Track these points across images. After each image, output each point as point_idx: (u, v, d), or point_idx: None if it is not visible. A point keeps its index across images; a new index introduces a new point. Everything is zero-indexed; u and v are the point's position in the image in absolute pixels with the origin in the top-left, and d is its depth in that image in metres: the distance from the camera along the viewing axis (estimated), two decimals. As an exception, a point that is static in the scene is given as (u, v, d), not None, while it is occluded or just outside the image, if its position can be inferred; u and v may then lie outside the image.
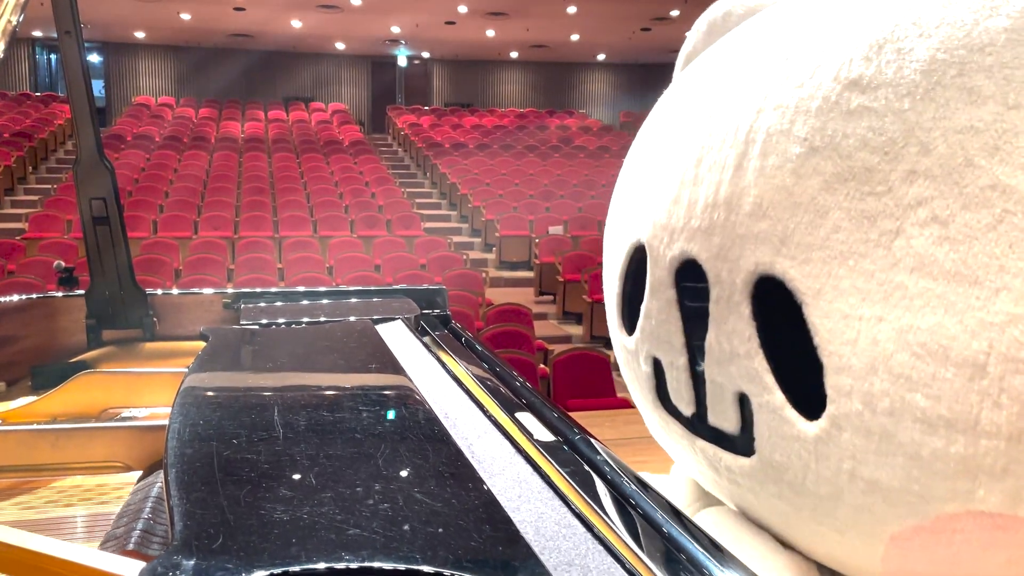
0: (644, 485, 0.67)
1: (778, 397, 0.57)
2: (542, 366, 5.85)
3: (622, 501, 0.64)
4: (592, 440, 0.78)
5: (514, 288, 9.42)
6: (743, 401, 0.61)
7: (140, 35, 18.32)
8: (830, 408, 0.54)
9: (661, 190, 0.68)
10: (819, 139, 0.54)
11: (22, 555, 0.58)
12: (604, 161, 13.60)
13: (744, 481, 0.64)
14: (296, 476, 0.61)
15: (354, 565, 0.48)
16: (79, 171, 1.14)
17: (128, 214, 9.73)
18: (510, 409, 0.88)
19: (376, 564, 0.48)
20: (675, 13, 14.63)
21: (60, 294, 1.30)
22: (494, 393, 0.94)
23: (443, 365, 1.00)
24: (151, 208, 10.26)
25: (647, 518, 0.61)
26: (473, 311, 7.08)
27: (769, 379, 0.58)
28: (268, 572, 0.46)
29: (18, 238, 8.99)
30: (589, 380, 5.40)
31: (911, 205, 0.49)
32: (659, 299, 0.68)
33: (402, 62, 20.04)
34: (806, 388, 0.55)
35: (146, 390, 1.14)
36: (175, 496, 0.57)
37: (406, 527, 0.53)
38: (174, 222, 9.80)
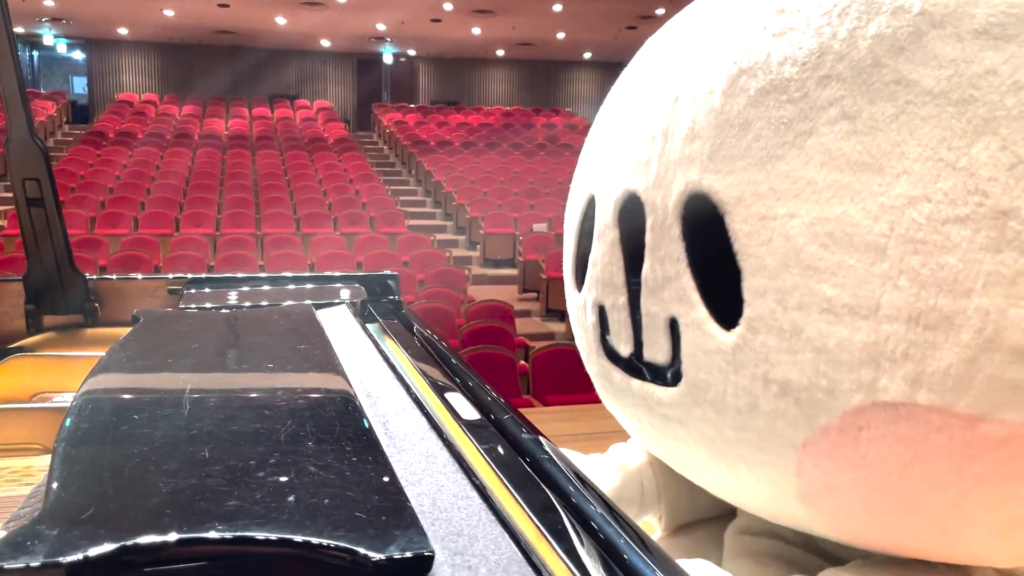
0: (561, 458, 0.65)
1: (701, 312, 0.59)
2: (522, 362, 5.84)
3: (532, 474, 0.62)
4: (520, 420, 0.77)
5: (498, 285, 9.40)
6: (674, 326, 0.62)
7: (123, 31, 18.20)
8: (746, 312, 0.55)
9: (612, 148, 0.71)
10: (747, 60, 0.56)
11: None
12: (589, 159, 13.56)
13: (673, 412, 0.65)
14: (190, 450, 0.59)
15: (226, 535, 0.46)
16: (10, 151, 1.12)
17: (109, 211, 9.67)
18: (440, 390, 0.86)
19: (248, 534, 0.46)
20: (660, 11, 14.63)
21: (-3, 279, 1.28)
22: (427, 375, 0.92)
23: (379, 348, 0.98)
24: (133, 205, 10.19)
25: (556, 489, 0.59)
26: (455, 308, 7.06)
27: (695, 295, 0.59)
28: (130, 542, 0.44)
29: (-3, 235, 8.91)
30: (569, 376, 5.38)
31: (823, 106, 0.51)
32: (604, 242, 0.70)
33: (388, 60, 19.99)
34: (727, 296, 0.57)
35: (80, 374, 1.12)
36: (56, 469, 0.55)
37: (291, 498, 0.51)
38: (155, 219, 9.74)
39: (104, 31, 18.09)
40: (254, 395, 0.73)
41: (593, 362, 0.78)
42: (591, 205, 0.74)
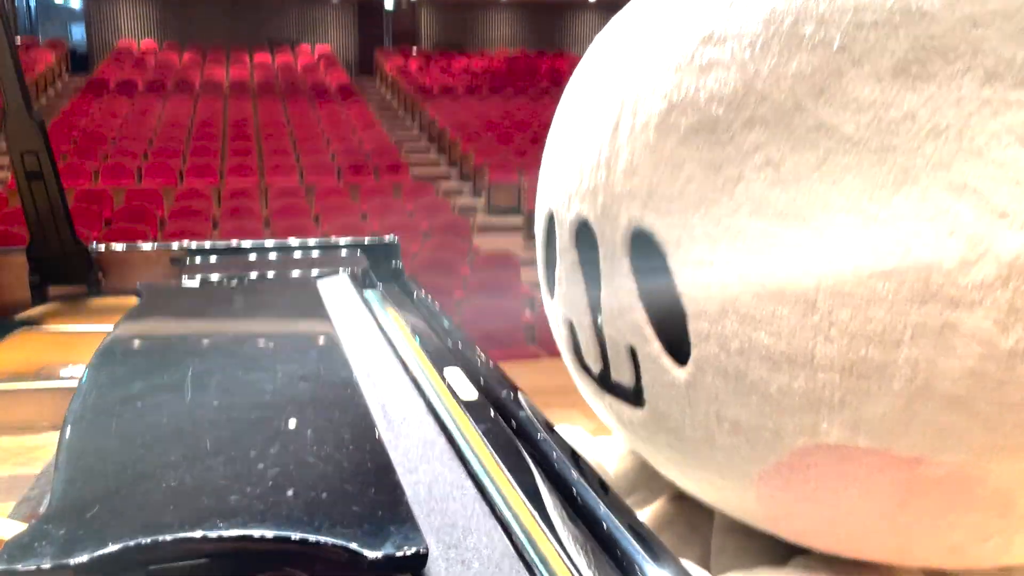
0: (559, 442, 0.66)
1: (655, 346, 0.60)
2: (527, 312, 5.86)
3: (528, 460, 0.64)
4: (521, 397, 0.78)
5: (503, 234, 9.39)
6: (633, 354, 0.63)
7: (120, -23, 17.87)
8: (694, 352, 0.56)
9: (564, 159, 0.71)
10: (676, 95, 0.55)
11: None
12: (594, 104, 13.41)
13: (641, 432, 0.67)
14: (193, 440, 0.60)
15: (227, 533, 0.47)
16: (7, 126, 1.12)
17: (112, 162, 9.64)
18: (440, 366, 0.87)
19: (248, 532, 0.47)
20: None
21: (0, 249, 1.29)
22: (428, 350, 0.93)
23: (378, 322, 0.99)
24: (136, 156, 10.15)
25: (552, 475, 0.61)
26: (460, 258, 7.07)
27: (648, 330, 0.60)
28: (133, 543, 0.46)
29: (0, 189, 8.90)
30: (574, 326, 5.42)
31: (749, 151, 0.51)
32: (565, 262, 0.70)
33: (389, 4, 19.63)
34: (676, 334, 0.57)
35: (85, 348, 1.13)
36: (62, 462, 0.57)
37: (290, 492, 0.53)
38: (159, 170, 9.70)
39: (100, -23, 17.77)
40: (254, 379, 0.75)
41: (572, 371, 0.80)
42: (552, 219, 0.74)
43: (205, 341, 0.83)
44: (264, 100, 13.06)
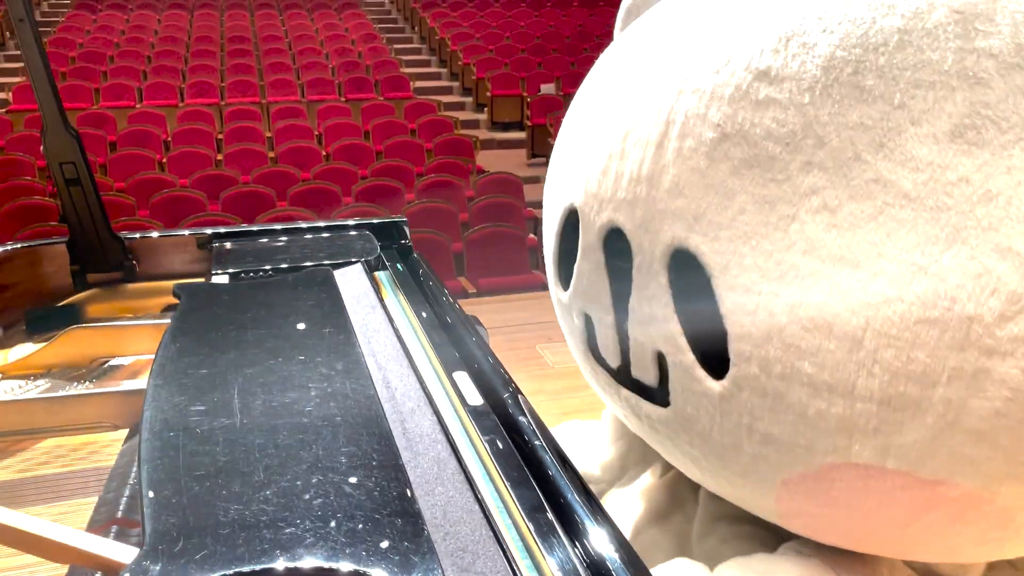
0: (558, 454, 0.78)
1: (689, 357, 0.64)
2: (531, 235, 5.95)
3: (528, 474, 0.76)
4: (520, 401, 0.89)
5: (506, 150, 9.38)
6: (660, 358, 0.67)
7: None
8: (732, 370, 0.60)
9: (592, 159, 0.72)
10: (730, 126, 0.58)
11: (20, 535, 0.69)
12: (598, 10, 13.16)
13: (661, 428, 0.72)
14: (246, 469, 0.73)
15: (288, 565, 0.60)
16: (47, 142, 1.21)
17: (112, 83, 9.57)
18: (449, 369, 0.99)
19: (304, 564, 0.60)
20: None
21: (42, 242, 1.40)
22: (438, 348, 1.05)
23: (391, 319, 1.10)
24: (135, 75, 10.07)
25: (550, 494, 0.73)
26: (464, 180, 7.12)
27: (682, 341, 0.64)
28: (219, 574, 0.59)
29: (2, 111, 8.88)
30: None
31: (806, 193, 0.54)
32: (589, 261, 0.74)
33: (385, -96, 18.91)
34: (714, 350, 0.62)
35: (130, 340, 1.25)
36: (146, 495, 0.69)
37: (332, 524, 0.65)
38: (159, 90, 9.64)
39: None
40: (291, 395, 0.87)
41: (581, 360, 0.85)
42: (573, 214, 0.77)
43: (243, 357, 0.95)
44: (261, 12, 12.81)
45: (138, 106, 9.15)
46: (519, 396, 0.90)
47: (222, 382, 0.89)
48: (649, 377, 0.70)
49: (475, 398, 0.92)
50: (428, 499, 0.73)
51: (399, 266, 1.41)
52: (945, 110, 0.50)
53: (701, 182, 0.60)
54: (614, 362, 0.75)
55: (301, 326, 1.05)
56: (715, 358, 0.61)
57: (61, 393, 1.02)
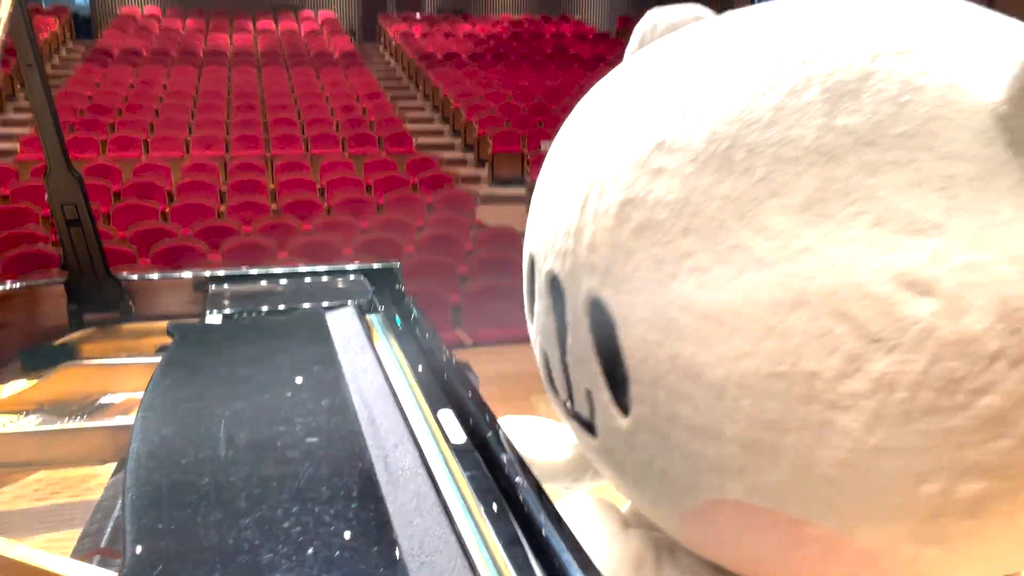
0: (536, 488, 0.79)
1: (607, 396, 0.70)
2: (529, 289, 5.97)
3: (507, 508, 0.77)
4: (502, 438, 0.91)
5: (506, 205, 9.46)
6: (590, 395, 0.74)
7: (122, -58, 17.76)
8: (633, 410, 0.67)
9: (543, 211, 0.80)
10: (631, 191, 0.64)
11: (9, 563, 0.71)
12: (599, 71, 13.37)
13: (593, 456, 0.80)
14: (227, 498, 0.74)
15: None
16: (50, 183, 1.25)
17: (119, 135, 9.72)
18: (435, 407, 1.01)
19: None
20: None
21: (41, 282, 1.43)
22: (425, 388, 1.07)
23: (379, 359, 1.12)
24: (142, 128, 10.23)
25: (528, 526, 0.74)
26: (463, 235, 7.18)
27: (601, 381, 0.70)
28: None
29: (10, 161, 9.00)
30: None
31: (684, 256, 0.59)
32: (543, 303, 0.80)
33: (393, -33, 19.45)
34: (622, 390, 0.68)
35: (123, 378, 1.27)
36: (128, 522, 0.70)
37: (310, 551, 0.66)
38: (165, 142, 9.79)
39: (102, -59, 17.64)
40: (277, 430, 0.88)
41: (546, 387, 0.92)
42: (532, 262, 0.84)
43: (232, 392, 0.97)
44: (268, 69, 13.07)
45: (144, 158, 9.28)
46: (500, 433, 0.92)
47: (209, 416, 0.90)
48: (584, 411, 0.76)
49: (458, 436, 0.94)
50: (406, 530, 0.74)
51: (391, 309, 1.43)
52: (800, 184, 0.54)
53: (609, 240, 0.66)
54: (563, 395, 0.82)
55: (290, 364, 1.07)
56: (624, 397, 0.67)
57: (52, 427, 1.04)
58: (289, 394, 0.98)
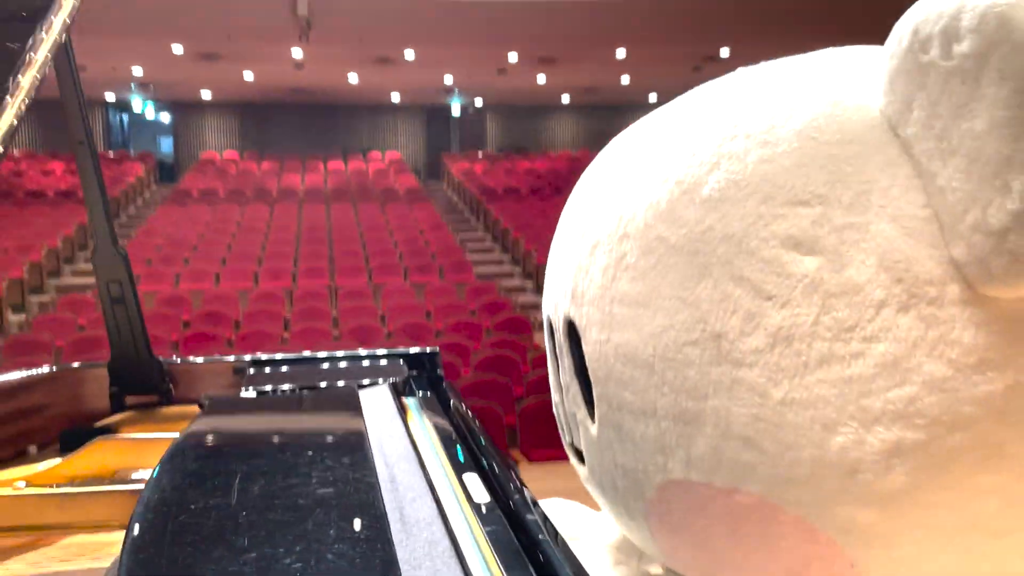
0: (560, 544, 0.75)
1: (584, 411, 0.74)
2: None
3: (526, 559, 0.73)
4: (528, 498, 0.86)
5: (565, 331, 9.47)
6: (576, 419, 0.78)
7: (206, 94, 19.18)
8: (596, 412, 0.70)
9: (547, 274, 0.87)
10: (585, 224, 0.74)
11: None
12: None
13: (587, 486, 0.82)
14: (232, 538, 0.71)
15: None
16: (96, 260, 1.29)
17: (193, 267, 10.16)
18: (459, 471, 0.97)
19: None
20: (725, 52, 14.70)
21: (84, 364, 1.45)
22: (449, 454, 1.03)
23: (408, 430, 1.10)
24: (215, 261, 10.68)
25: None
26: (521, 356, 7.17)
27: (580, 399, 0.75)
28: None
29: (88, 292, 9.43)
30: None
31: (620, 257, 0.67)
32: (547, 351, 0.86)
33: (456, 110, 20.49)
34: (589, 398, 0.73)
35: (154, 454, 1.26)
36: (125, 555, 0.68)
37: (308, 585, 0.63)
38: (236, 274, 10.18)
39: (188, 95, 19.09)
40: (292, 481, 0.86)
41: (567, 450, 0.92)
42: (550, 324, 0.89)
43: (254, 451, 0.95)
44: (336, 205, 13.66)
45: (215, 288, 9.63)
46: (527, 492, 0.87)
47: (225, 468, 0.88)
48: (578, 440, 0.79)
49: (481, 495, 0.90)
50: (414, 573, 0.69)
51: (427, 392, 1.41)
52: (703, 181, 0.62)
53: (576, 264, 0.74)
54: (568, 437, 0.84)
55: (314, 427, 1.05)
56: (592, 406, 0.72)
57: (72, 489, 1.03)
58: (310, 453, 0.96)
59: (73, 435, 1.39)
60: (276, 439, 1.00)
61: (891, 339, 0.53)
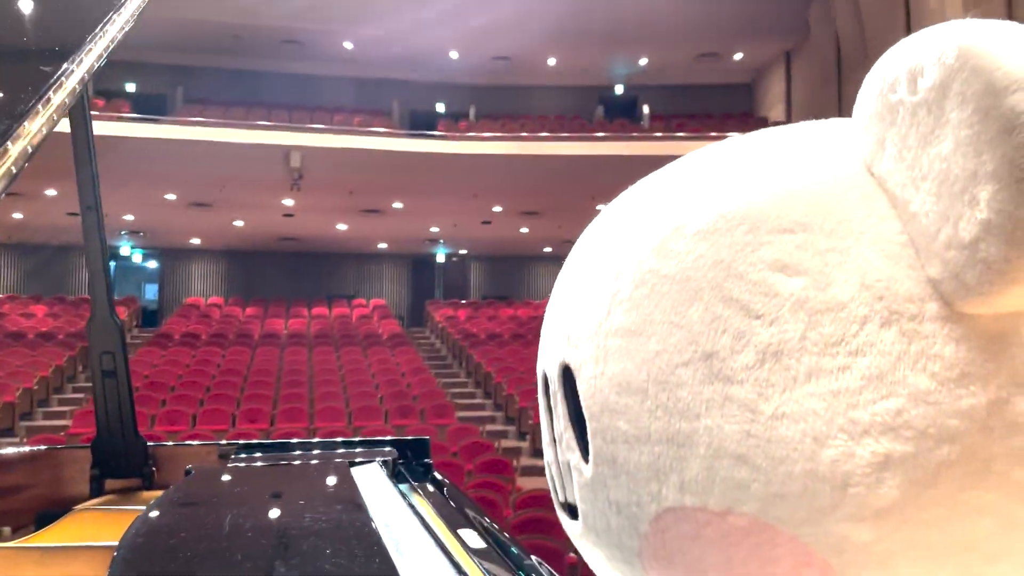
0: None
1: (577, 455, 0.72)
2: (571, 555, 5.69)
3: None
4: (517, 546, 0.85)
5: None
6: (570, 468, 0.73)
7: (195, 241, 19.52)
8: (591, 449, 0.69)
9: (543, 331, 0.87)
10: (592, 263, 0.74)
11: None
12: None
13: (580, 543, 0.76)
14: (223, 557, 0.69)
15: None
16: (92, 327, 1.29)
17: (169, 409, 9.99)
18: (454, 526, 0.95)
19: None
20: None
21: (67, 446, 1.42)
22: (443, 514, 1.01)
23: (401, 494, 1.07)
24: (192, 403, 10.52)
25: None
26: (503, 498, 6.99)
27: (574, 443, 0.72)
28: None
29: (61, 434, 9.21)
30: (619, 566, 5.23)
31: (614, 291, 0.68)
32: (542, 411, 0.83)
33: (441, 259, 20.92)
34: (584, 439, 0.69)
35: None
36: (115, 565, 0.65)
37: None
38: (213, 416, 10.01)
39: (178, 241, 19.44)
40: (283, 522, 0.83)
41: (560, 516, 0.89)
42: (546, 379, 0.89)
43: (244, 495, 0.92)
44: (319, 349, 13.64)
45: (189, 431, 9.44)
46: (522, 552, 0.86)
47: (216, 510, 0.86)
48: (571, 495, 0.76)
49: (476, 542, 0.88)
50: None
51: (417, 470, 1.39)
52: (692, 219, 0.66)
53: (572, 307, 0.74)
54: (562, 495, 0.80)
55: (305, 482, 1.02)
56: (587, 446, 0.70)
57: (52, 544, 0.99)
58: (302, 501, 0.93)
59: (49, 518, 1.35)
60: (265, 490, 0.98)
61: (875, 352, 0.56)
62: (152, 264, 21.33)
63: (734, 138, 0.83)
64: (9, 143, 0.66)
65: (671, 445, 0.61)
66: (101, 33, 0.95)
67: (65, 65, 0.79)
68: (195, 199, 15.56)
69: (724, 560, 0.62)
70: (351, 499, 0.91)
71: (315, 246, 19.45)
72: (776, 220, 0.63)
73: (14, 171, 0.68)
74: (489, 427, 10.82)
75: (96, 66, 0.92)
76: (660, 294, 0.64)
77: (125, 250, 19.70)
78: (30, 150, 0.71)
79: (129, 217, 16.60)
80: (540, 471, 6.87)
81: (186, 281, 20.40)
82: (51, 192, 14.35)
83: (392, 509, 1.02)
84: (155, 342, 14.21)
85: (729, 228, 0.64)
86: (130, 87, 17.64)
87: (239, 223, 17.26)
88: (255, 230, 17.83)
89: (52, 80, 0.73)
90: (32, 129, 0.70)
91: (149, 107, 15.25)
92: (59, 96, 0.73)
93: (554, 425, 0.80)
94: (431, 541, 0.84)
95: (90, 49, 0.90)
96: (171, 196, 15.30)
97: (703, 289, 0.62)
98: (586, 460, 0.71)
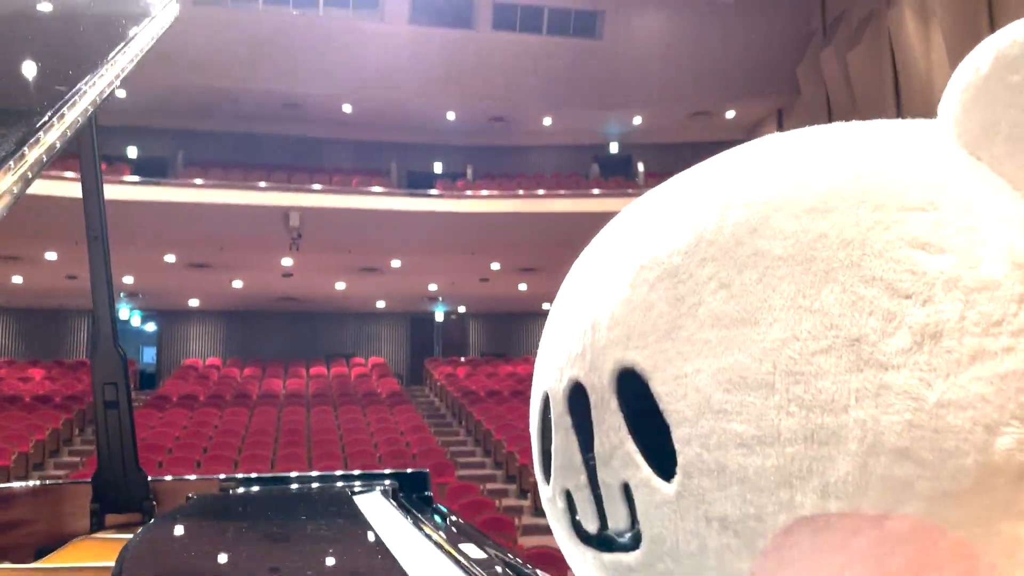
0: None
1: (646, 471, 0.65)
2: (575, 610, 5.57)
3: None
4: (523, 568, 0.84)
5: (549, 536, 9.13)
6: (627, 491, 0.67)
7: (194, 303, 19.55)
8: (680, 460, 0.62)
9: (553, 345, 0.78)
10: (644, 258, 0.69)
11: None
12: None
13: (641, 574, 0.68)
14: (225, 560, 0.69)
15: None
16: (95, 358, 1.30)
17: (165, 470, 9.88)
18: (454, 542, 0.95)
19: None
20: (696, 261, 15.31)
21: (68, 481, 1.42)
22: (451, 539, 1.01)
23: (404, 516, 1.08)
24: (188, 464, 10.41)
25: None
26: (504, 555, 6.88)
27: (638, 458, 0.65)
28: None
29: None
30: (624, 622, 5.11)
31: (705, 281, 0.63)
32: (560, 432, 0.76)
33: (439, 317, 20.92)
34: (663, 450, 0.63)
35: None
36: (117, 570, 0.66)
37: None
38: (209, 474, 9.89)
39: (176, 303, 19.47)
40: (289, 537, 0.84)
41: (571, 551, 0.82)
42: (547, 402, 0.78)
43: (246, 518, 0.93)
44: (317, 408, 13.56)
45: (188, 491, 9.32)
46: (510, 553, 0.86)
47: (217, 527, 0.86)
48: (622, 520, 0.69)
49: (477, 553, 0.88)
50: None
51: (419, 506, 1.38)
52: (799, 196, 0.63)
53: (628, 307, 0.69)
54: (593, 526, 0.73)
55: (308, 508, 1.03)
56: (666, 461, 0.64)
57: (53, 565, 0.98)
58: (303, 517, 0.93)
59: (48, 553, 1.34)
60: (267, 513, 0.98)
61: None
62: (150, 326, 21.30)
63: (793, 131, 0.76)
64: (26, 149, 0.69)
65: (810, 443, 0.56)
66: (102, 71, 0.98)
67: (79, 86, 0.82)
68: (194, 260, 15.64)
69: (874, 570, 0.56)
70: (353, 516, 0.92)
71: (314, 305, 19.47)
72: (902, 199, 0.60)
73: (30, 176, 0.70)
74: (490, 485, 10.69)
75: (106, 93, 0.95)
76: (778, 278, 0.60)
77: (124, 313, 19.71)
78: (45, 159, 0.73)
79: (128, 280, 16.66)
80: (542, 529, 6.79)
81: (184, 342, 20.36)
82: (51, 256, 14.43)
83: (400, 530, 1.02)
84: (152, 404, 14.12)
85: (848, 207, 0.62)
86: (132, 152, 17.86)
87: (238, 283, 17.32)
88: (254, 290, 17.88)
89: (67, 97, 0.76)
90: (48, 140, 0.72)
91: (151, 170, 15.41)
92: (72, 113, 0.76)
93: (596, 441, 0.71)
94: (448, 560, 0.84)
95: (94, 83, 0.94)
96: (170, 258, 15.38)
97: (835, 269, 0.58)
98: (666, 477, 0.65)
